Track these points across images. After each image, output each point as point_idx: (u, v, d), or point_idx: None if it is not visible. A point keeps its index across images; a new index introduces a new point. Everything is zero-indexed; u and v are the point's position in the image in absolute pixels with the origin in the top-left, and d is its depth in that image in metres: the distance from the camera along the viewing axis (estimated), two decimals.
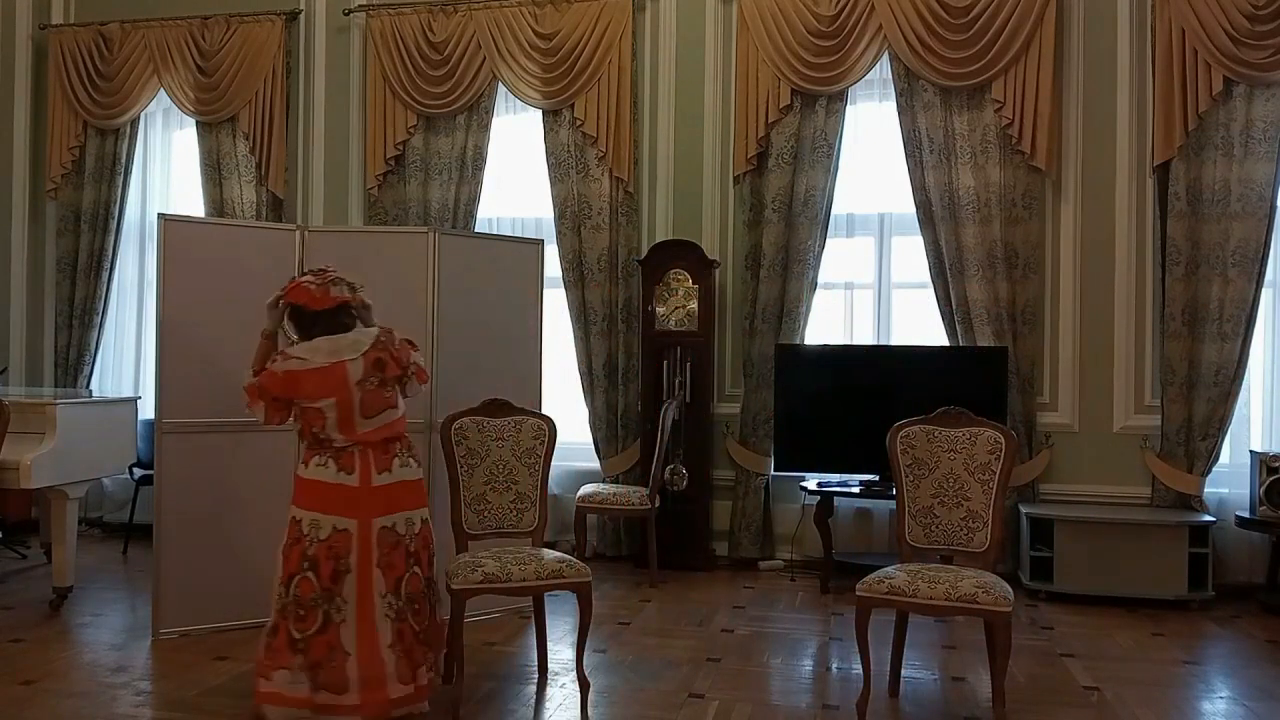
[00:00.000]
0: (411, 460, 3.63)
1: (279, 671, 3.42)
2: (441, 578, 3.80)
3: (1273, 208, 5.60)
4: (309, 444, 3.56)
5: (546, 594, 4.00)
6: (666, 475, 6.01)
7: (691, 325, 6.21)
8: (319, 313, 3.58)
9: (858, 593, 3.66)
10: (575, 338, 6.49)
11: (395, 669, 3.45)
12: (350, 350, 3.53)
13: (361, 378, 3.50)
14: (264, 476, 4.62)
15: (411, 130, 6.77)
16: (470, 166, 6.68)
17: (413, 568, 3.54)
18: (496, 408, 4.11)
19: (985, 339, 5.90)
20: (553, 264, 6.20)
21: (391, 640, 3.45)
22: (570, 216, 6.50)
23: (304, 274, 3.75)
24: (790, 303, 6.19)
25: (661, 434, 5.80)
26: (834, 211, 6.24)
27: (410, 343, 3.76)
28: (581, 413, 6.47)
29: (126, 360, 7.41)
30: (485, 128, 6.69)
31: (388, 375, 3.56)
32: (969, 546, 3.82)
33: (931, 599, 3.53)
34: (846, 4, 6.07)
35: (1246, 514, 5.47)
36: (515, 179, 6.85)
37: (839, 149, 6.19)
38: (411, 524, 3.56)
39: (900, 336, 6.30)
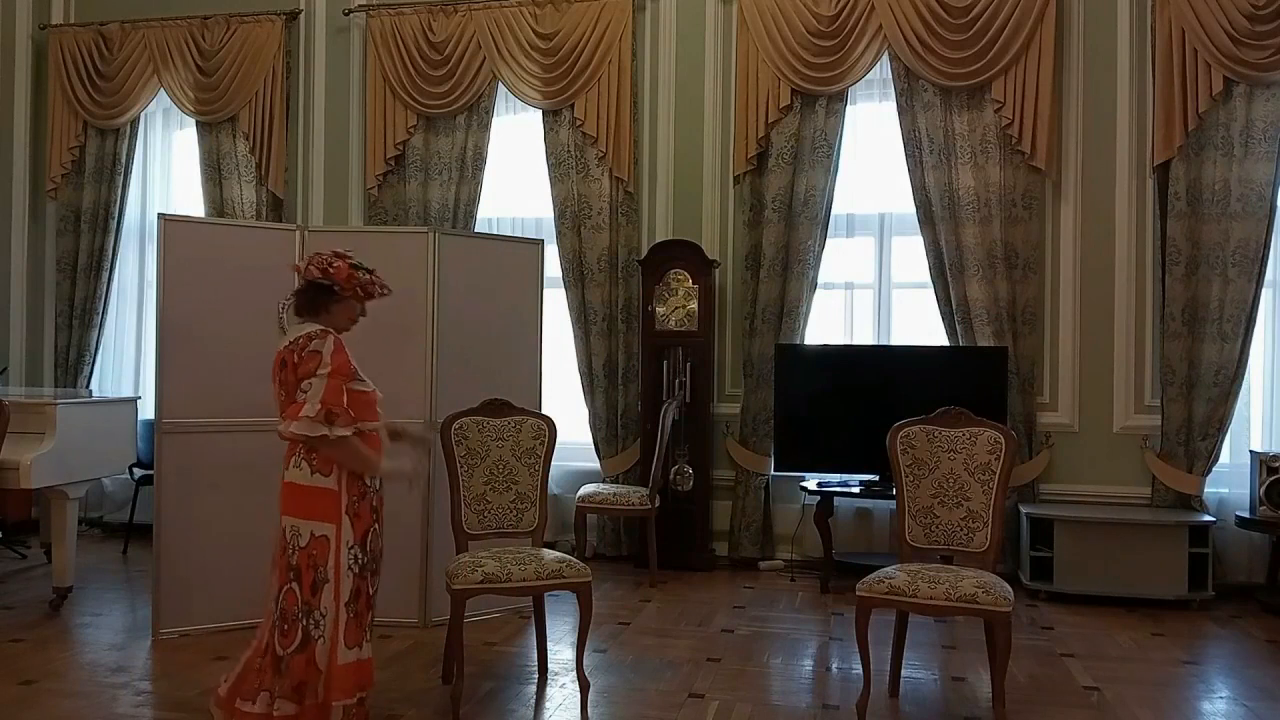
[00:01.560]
0: (305, 464, 3.21)
1: None
2: (441, 578, 3.79)
3: (1273, 208, 5.60)
4: None
5: (546, 594, 4.00)
6: (672, 476, 6.01)
7: (691, 325, 6.21)
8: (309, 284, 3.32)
9: (858, 593, 3.66)
10: (575, 338, 6.49)
11: (235, 675, 3.25)
12: (284, 339, 3.30)
13: (274, 369, 3.28)
14: (264, 476, 4.59)
15: (411, 130, 6.76)
16: (470, 166, 6.68)
17: (290, 582, 3.18)
18: (496, 408, 4.11)
19: (985, 339, 5.90)
20: (553, 264, 6.20)
21: (255, 648, 3.25)
22: (570, 216, 6.50)
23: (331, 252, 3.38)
24: (790, 303, 6.19)
25: (661, 434, 5.79)
26: (834, 211, 6.24)
27: (327, 366, 3.18)
28: (581, 413, 6.47)
29: (126, 360, 7.41)
30: (485, 128, 6.69)
31: (284, 377, 3.22)
32: (969, 546, 3.82)
33: (931, 599, 3.53)
34: (846, 4, 6.07)
35: (1246, 514, 5.48)
36: (515, 179, 6.85)
37: (839, 149, 6.19)
38: (296, 533, 3.20)
39: (900, 336, 6.30)
